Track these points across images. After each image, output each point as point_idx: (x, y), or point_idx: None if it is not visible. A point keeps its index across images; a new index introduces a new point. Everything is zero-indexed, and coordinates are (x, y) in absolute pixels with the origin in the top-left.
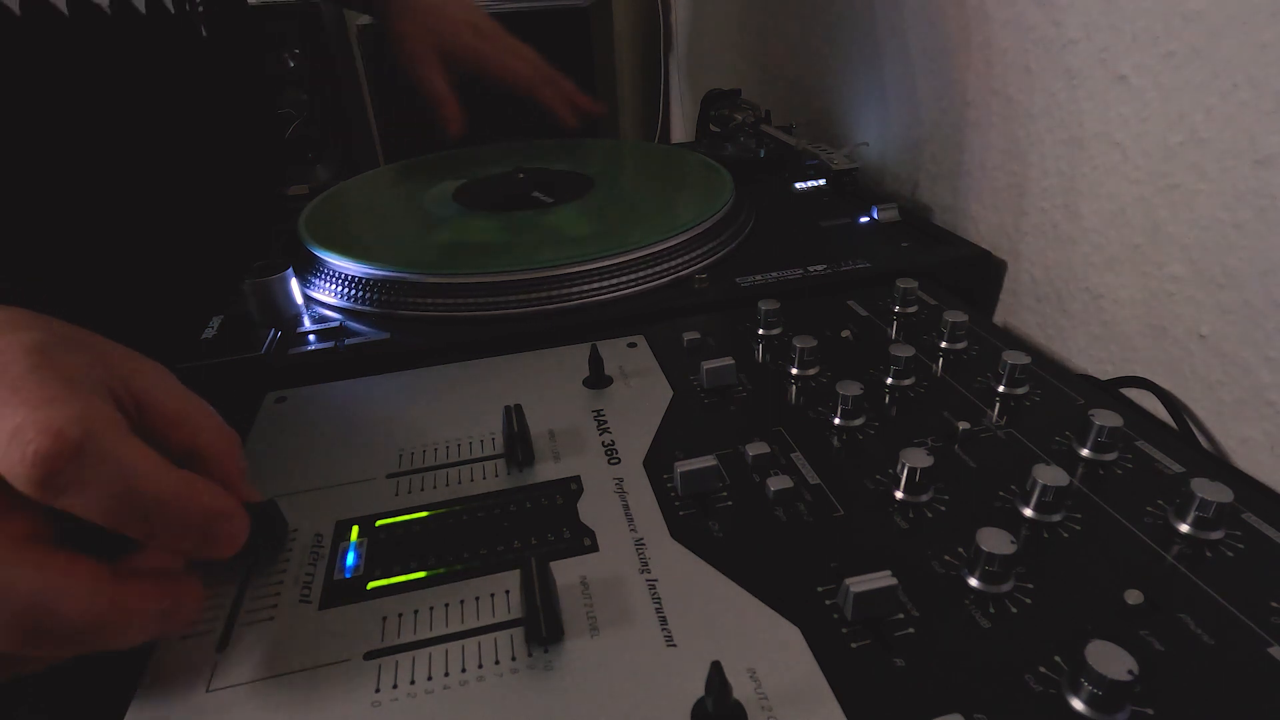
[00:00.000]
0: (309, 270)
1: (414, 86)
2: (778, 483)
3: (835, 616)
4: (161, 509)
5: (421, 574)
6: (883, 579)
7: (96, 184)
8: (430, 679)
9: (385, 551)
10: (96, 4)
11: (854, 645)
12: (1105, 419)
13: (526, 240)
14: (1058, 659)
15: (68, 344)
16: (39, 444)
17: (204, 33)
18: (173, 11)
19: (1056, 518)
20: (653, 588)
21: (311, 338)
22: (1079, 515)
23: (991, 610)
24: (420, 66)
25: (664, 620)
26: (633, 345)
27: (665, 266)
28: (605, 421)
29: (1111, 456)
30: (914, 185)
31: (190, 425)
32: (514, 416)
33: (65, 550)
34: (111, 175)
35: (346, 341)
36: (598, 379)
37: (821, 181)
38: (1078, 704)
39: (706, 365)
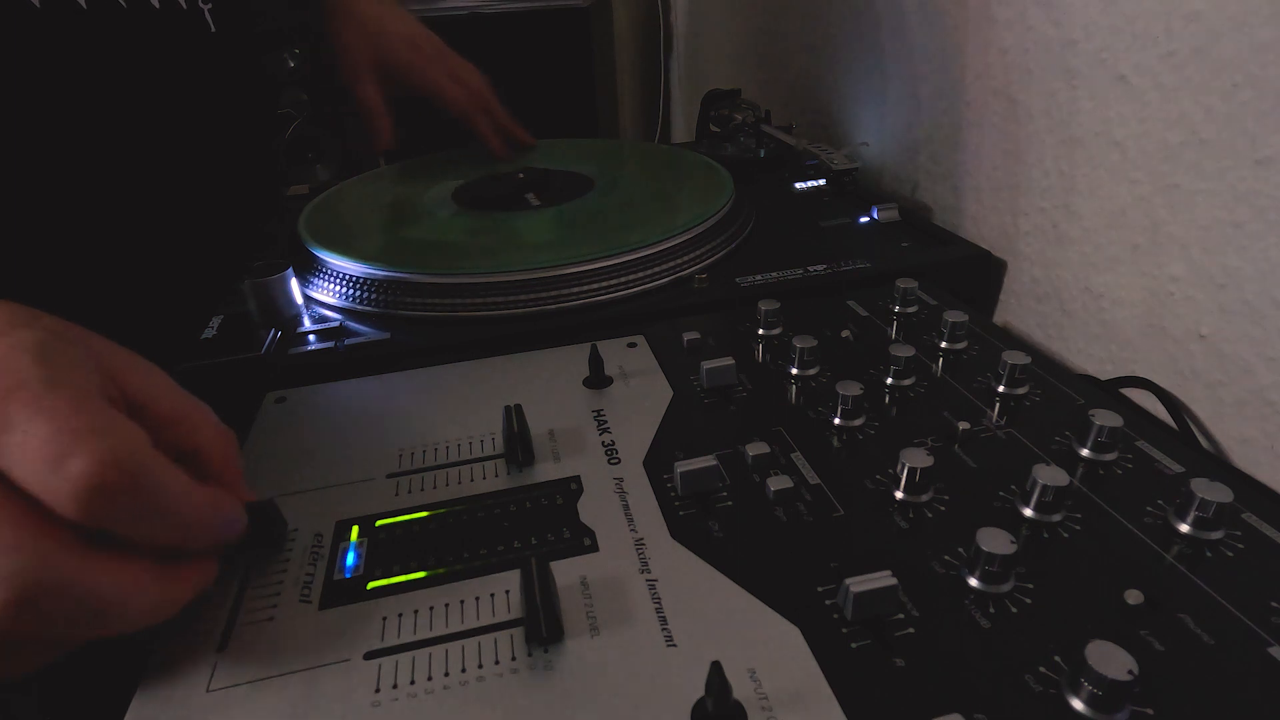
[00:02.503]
0: (309, 270)
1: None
2: (778, 483)
3: (835, 616)
4: (193, 526)
5: (421, 574)
6: (883, 579)
7: (97, 182)
8: (430, 679)
9: (385, 551)
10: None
11: (854, 645)
12: (1105, 419)
13: (527, 240)
14: (1058, 659)
15: (64, 343)
16: (92, 475)
17: (212, 28)
18: (184, 7)
19: (1056, 518)
20: (653, 588)
21: (311, 338)
22: (1079, 515)
23: (991, 610)
24: (356, 78)
25: (664, 620)
26: (633, 345)
27: (665, 266)
28: (605, 421)
29: (1111, 456)
30: (914, 185)
31: (188, 424)
32: (514, 416)
33: (117, 552)
34: (112, 174)
35: (346, 341)
36: (598, 379)
37: (821, 181)
38: (1078, 704)
39: (706, 365)
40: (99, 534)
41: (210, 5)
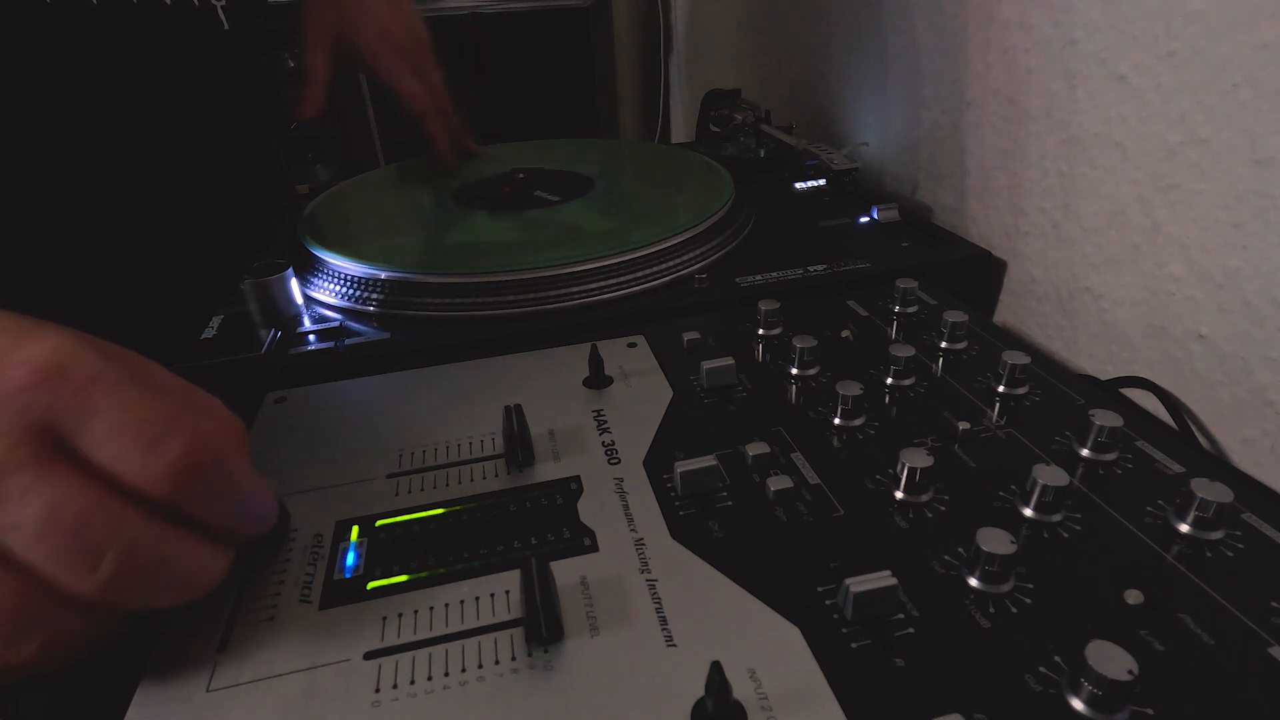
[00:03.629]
0: (309, 270)
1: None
2: (778, 483)
3: (835, 616)
4: (249, 511)
5: (421, 574)
6: (883, 579)
7: (99, 181)
8: (430, 679)
9: (385, 551)
10: None
11: (854, 645)
12: (1105, 419)
13: (527, 240)
14: (1058, 659)
15: (89, 341)
16: (187, 456)
17: (226, 25)
18: (196, 4)
19: (1056, 518)
20: (653, 588)
21: (311, 338)
22: (1079, 515)
23: (991, 610)
24: (308, 39)
25: (664, 620)
26: (633, 345)
27: (665, 266)
28: (605, 421)
29: (1111, 456)
30: (914, 185)
31: (199, 413)
32: (514, 416)
33: (189, 528)
34: (114, 172)
35: (346, 342)
36: (598, 379)
37: (821, 181)
38: (1078, 704)
39: (706, 365)
40: (172, 513)
41: (224, 2)
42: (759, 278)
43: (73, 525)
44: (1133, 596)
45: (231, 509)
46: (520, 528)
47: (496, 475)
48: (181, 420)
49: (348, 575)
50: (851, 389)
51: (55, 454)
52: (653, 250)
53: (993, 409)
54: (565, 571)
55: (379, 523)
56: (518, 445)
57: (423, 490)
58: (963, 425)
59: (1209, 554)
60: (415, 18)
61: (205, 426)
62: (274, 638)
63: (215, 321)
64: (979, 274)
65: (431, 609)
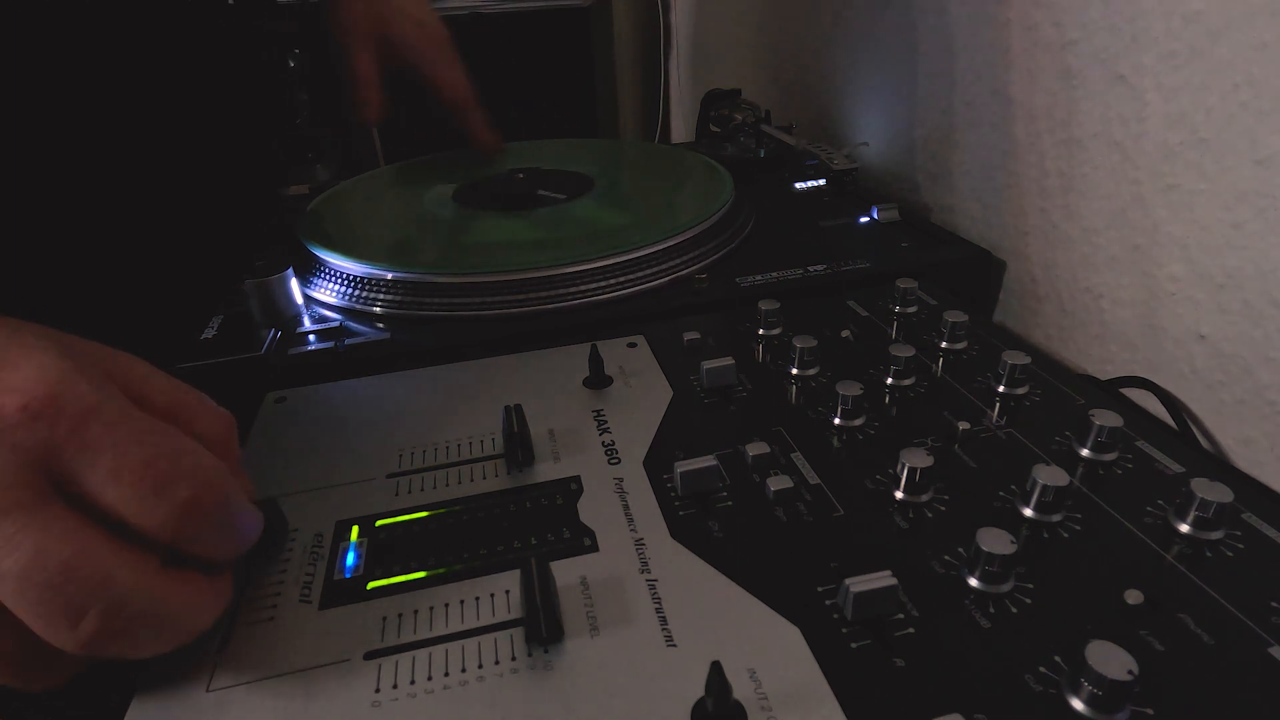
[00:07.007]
0: (309, 270)
1: (345, 68)
2: (778, 483)
3: (835, 616)
4: (244, 536)
5: (421, 574)
6: (883, 579)
7: (98, 181)
8: (430, 679)
9: (385, 551)
10: None
11: (854, 645)
12: (1105, 419)
13: (527, 240)
14: (1058, 659)
15: (78, 357)
16: (194, 500)
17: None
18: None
19: (1056, 518)
20: (653, 588)
21: (311, 338)
22: (1079, 515)
23: (991, 610)
24: (352, 43)
25: (664, 620)
26: (633, 345)
27: (665, 266)
28: (605, 421)
29: (1111, 456)
30: (914, 185)
31: (187, 412)
32: (514, 416)
33: (185, 570)
34: (113, 172)
35: (346, 341)
36: (598, 379)
37: (821, 181)
38: (1078, 704)
39: (706, 365)
40: (167, 552)
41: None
42: (759, 278)
43: (56, 579)
44: (1133, 596)
45: (231, 539)
46: (520, 528)
47: (496, 475)
48: (185, 458)
49: (348, 575)
50: (851, 389)
51: (49, 495)
52: (653, 250)
53: (993, 409)
54: (565, 571)
55: (379, 523)
56: (518, 445)
57: (423, 490)
58: (963, 425)
59: (1209, 554)
60: (434, 14)
61: (207, 463)
62: (274, 638)
63: (215, 321)
64: (979, 274)
65: (431, 609)
